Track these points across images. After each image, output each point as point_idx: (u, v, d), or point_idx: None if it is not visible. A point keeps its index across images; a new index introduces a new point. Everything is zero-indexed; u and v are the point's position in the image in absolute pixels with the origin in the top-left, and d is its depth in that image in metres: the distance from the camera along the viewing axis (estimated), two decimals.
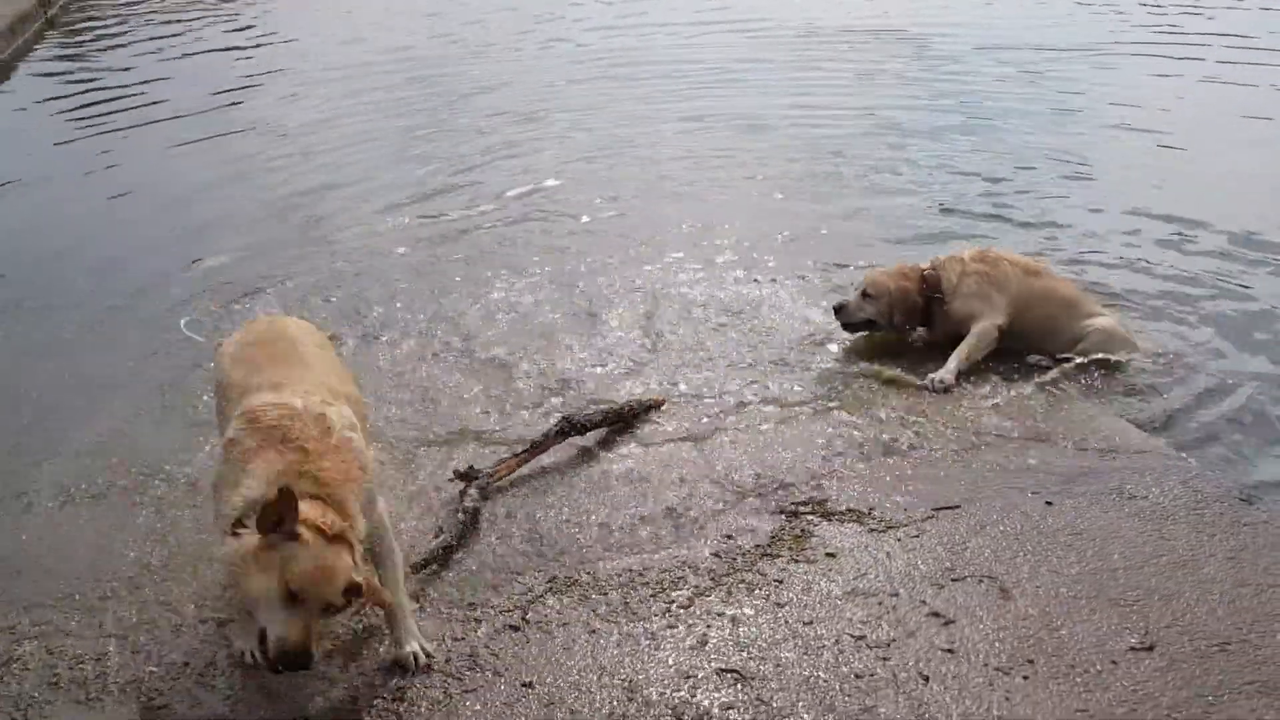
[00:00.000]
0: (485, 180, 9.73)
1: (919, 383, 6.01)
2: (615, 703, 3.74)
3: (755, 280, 7.38)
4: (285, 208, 9.14)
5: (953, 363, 6.09)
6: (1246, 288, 7.12)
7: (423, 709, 3.74)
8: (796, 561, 4.53)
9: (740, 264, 7.68)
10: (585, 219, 8.72)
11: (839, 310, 6.43)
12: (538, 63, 14.68)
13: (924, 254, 6.94)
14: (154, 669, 3.95)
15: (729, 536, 4.73)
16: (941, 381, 5.99)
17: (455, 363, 6.36)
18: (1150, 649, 3.96)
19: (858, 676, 3.87)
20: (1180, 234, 8.03)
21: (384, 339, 6.66)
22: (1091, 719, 3.64)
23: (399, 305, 7.11)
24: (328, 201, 9.28)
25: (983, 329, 6.21)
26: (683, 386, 6.05)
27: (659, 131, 11.13)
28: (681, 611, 4.23)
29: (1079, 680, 3.83)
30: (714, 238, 8.19)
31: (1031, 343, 6.28)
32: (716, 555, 4.59)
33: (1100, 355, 6.07)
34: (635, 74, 13.57)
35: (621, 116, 11.71)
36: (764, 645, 4.02)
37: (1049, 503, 4.91)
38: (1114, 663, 3.90)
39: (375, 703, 3.76)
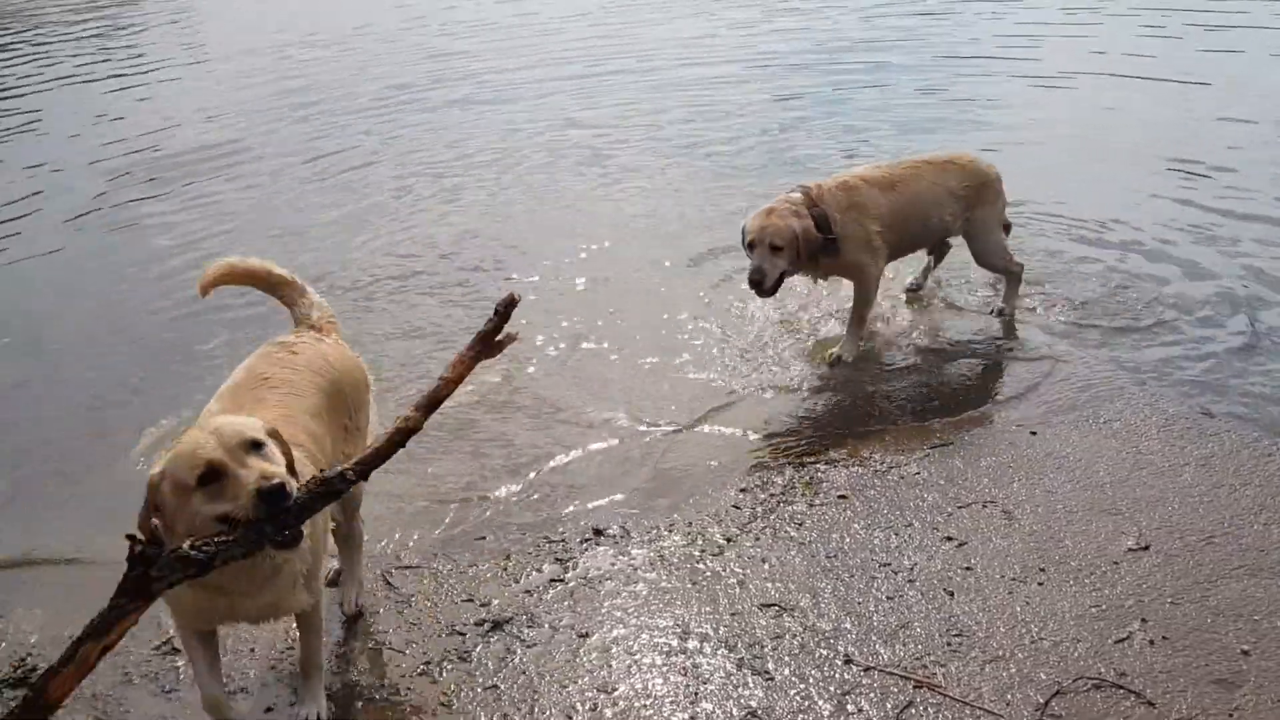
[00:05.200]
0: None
1: (825, 363, 6.10)
2: (674, 643, 4.00)
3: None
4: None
5: (850, 341, 6.14)
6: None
7: (490, 666, 3.95)
8: (813, 505, 4.84)
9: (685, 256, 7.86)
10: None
11: (758, 282, 5.84)
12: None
13: None
14: None
15: (744, 490, 5.01)
16: (842, 360, 6.07)
17: None
18: (1146, 549, 4.36)
19: (889, 598, 4.19)
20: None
21: None
22: (1105, 613, 4.01)
23: None
24: None
25: (866, 289, 6.12)
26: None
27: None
28: (715, 558, 4.50)
29: (1088, 581, 4.20)
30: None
31: (918, 244, 6.48)
32: (737, 507, 4.87)
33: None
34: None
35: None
36: (799, 580, 4.32)
37: (1033, 433, 5.30)
38: (1116, 563, 4.29)
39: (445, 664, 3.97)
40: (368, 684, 3.91)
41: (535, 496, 5.03)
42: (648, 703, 3.73)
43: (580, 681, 3.85)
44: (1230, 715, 3.51)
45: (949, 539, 4.53)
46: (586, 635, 4.10)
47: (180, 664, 4.04)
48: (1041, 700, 3.60)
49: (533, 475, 5.23)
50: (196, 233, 8.86)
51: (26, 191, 10.27)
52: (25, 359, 6.88)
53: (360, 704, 3.80)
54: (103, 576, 4.57)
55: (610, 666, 3.91)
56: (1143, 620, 3.94)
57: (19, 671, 4.06)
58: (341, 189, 9.86)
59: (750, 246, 5.88)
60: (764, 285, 5.84)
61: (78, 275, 8.24)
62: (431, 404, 3.38)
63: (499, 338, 3.50)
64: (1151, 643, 3.83)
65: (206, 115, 12.95)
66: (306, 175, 10.32)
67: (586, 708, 3.72)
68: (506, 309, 3.49)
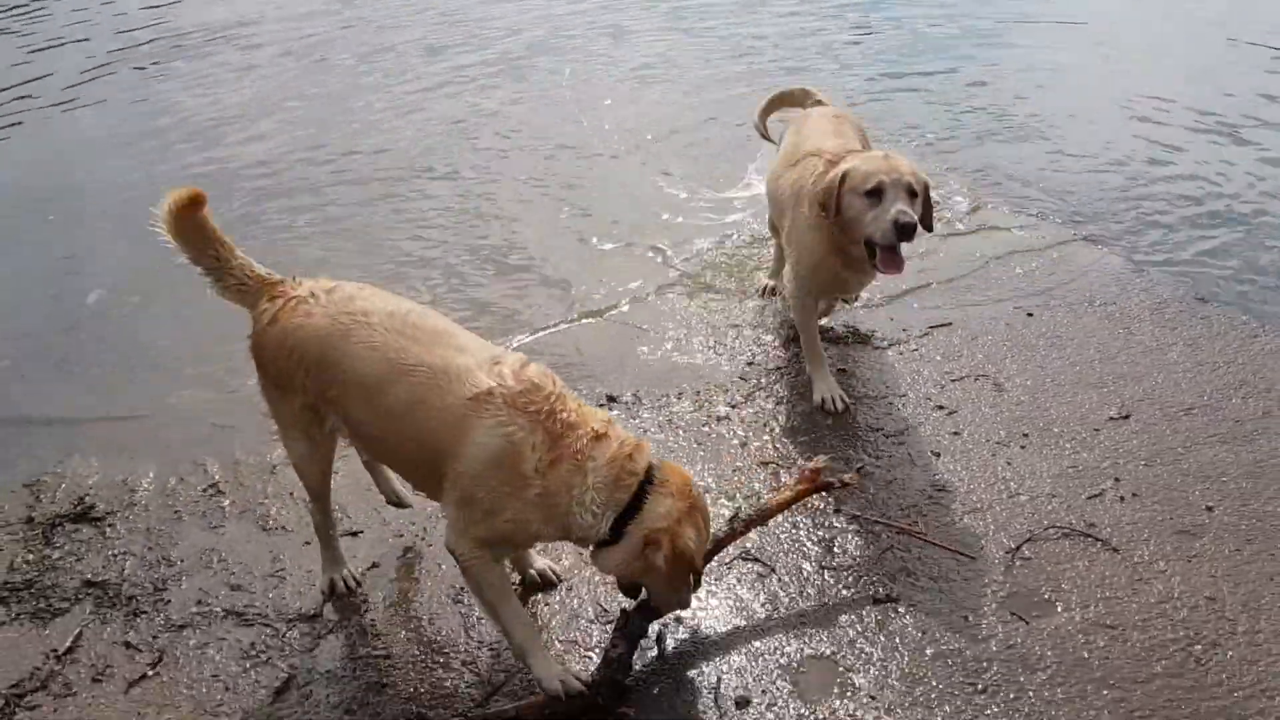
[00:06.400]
0: None
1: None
2: None
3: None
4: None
5: (824, 377, 4.99)
6: None
7: None
8: None
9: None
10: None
11: (911, 226, 4.38)
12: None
13: None
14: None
15: (750, 363, 5.29)
16: (840, 401, 4.90)
17: None
18: (1127, 418, 4.61)
19: (877, 458, 4.48)
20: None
21: None
22: (1081, 473, 4.29)
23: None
24: None
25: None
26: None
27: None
28: (718, 421, 4.80)
29: (1068, 446, 4.47)
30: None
31: None
32: (742, 379, 5.15)
33: None
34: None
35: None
36: (797, 441, 4.62)
37: (1030, 314, 5.52)
38: (1096, 430, 4.55)
39: None
40: (381, 555, 4.27)
41: (550, 366, 5.30)
42: None
43: None
44: (1189, 561, 3.80)
45: (940, 408, 4.80)
46: None
47: (226, 504, 4.42)
48: (1013, 545, 3.91)
49: (547, 346, 5.52)
50: (220, 108, 9.21)
51: (37, 71, 10.63)
52: (69, 232, 7.20)
53: (367, 570, 4.15)
54: (148, 431, 5.00)
55: None
56: (1116, 480, 4.22)
57: (79, 508, 4.44)
58: (356, 72, 10.10)
59: (876, 192, 4.43)
60: (914, 229, 4.43)
61: (98, 150, 8.56)
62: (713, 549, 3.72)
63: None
64: (1122, 499, 4.12)
65: None
66: (318, 59, 10.52)
67: None
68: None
